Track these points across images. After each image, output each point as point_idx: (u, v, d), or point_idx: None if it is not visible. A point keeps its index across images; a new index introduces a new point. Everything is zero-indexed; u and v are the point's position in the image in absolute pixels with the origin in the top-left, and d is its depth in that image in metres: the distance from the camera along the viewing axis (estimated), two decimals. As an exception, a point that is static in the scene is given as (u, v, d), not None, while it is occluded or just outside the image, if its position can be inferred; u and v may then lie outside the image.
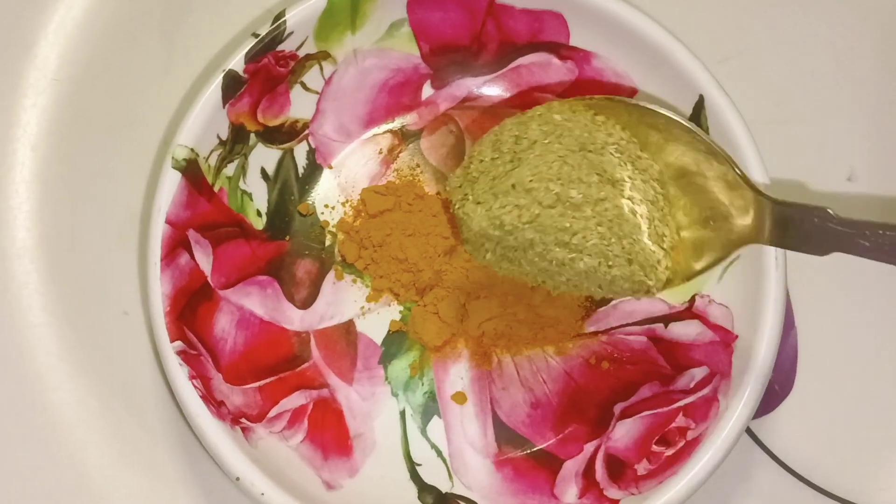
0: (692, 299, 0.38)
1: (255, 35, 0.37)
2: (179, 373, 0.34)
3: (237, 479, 0.33)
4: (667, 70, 0.38)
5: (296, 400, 0.37)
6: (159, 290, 0.35)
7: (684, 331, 0.38)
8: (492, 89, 0.41)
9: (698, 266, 0.35)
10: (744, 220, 0.34)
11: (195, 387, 0.34)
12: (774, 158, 0.38)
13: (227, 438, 0.34)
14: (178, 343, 0.35)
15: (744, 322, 0.36)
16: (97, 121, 0.41)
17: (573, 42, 0.39)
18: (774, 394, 0.40)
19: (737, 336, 0.37)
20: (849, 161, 0.42)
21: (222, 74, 0.37)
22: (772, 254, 0.36)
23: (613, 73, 0.39)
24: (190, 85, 0.40)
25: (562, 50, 0.40)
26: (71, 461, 0.38)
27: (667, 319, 0.39)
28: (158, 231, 0.35)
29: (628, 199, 0.35)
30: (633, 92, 0.40)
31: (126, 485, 0.37)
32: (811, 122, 0.42)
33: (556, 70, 0.40)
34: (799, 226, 0.32)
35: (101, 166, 0.40)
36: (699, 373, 0.37)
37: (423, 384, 0.38)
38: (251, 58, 0.37)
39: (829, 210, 0.32)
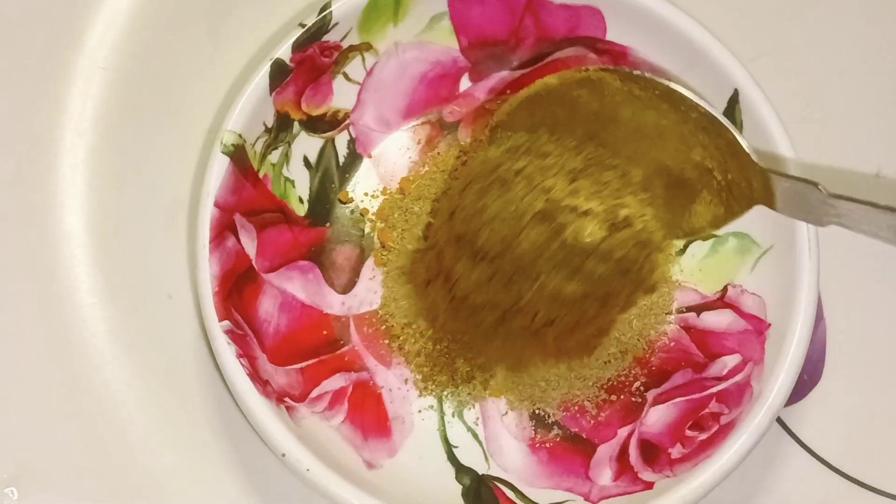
0: (724, 289, 0.39)
1: (302, 25, 0.38)
2: (227, 352, 0.35)
3: (283, 455, 0.34)
4: (702, 65, 0.39)
5: (336, 382, 0.38)
6: (208, 270, 0.36)
7: (717, 319, 0.39)
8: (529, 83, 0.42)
9: (707, 222, 0.36)
10: (753, 184, 0.35)
11: (242, 365, 0.35)
12: (804, 156, 0.39)
13: (274, 416, 0.35)
14: (226, 323, 0.36)
15: (777, 311, 0.37)
16: (144, 109, 0.41)
17: (609, 37, 0.40)
18: (803, 383, 0.40)
19: (770, 324, 0.37)
20: (877, 158, 0.43)
21: (270, 63, 0.38)
22: (805, 244, 0.37)
23: (649, 68, 0.40)
24: (234, 75, 0.41)
25: (598, 45, 0.41)
26: (117, 440, 0.38)
27: (699, 309, 0.39)
28: (207, 214, 0.36)
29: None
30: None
31: (169, 464, 0.38)
32: (840, 120, 0.43)
33: (591, 64, 0.41)
34: (801, 198, 0.33)
35: (148, 153, 0.41)
36: (732, 360, 0.38)
37: (459, 369, 0.39)
38: (297, 47, 0.38)
39: (818, 185, 0.33)
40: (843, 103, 0.43)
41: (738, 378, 0.37)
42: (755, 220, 0.39)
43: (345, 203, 0.41)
